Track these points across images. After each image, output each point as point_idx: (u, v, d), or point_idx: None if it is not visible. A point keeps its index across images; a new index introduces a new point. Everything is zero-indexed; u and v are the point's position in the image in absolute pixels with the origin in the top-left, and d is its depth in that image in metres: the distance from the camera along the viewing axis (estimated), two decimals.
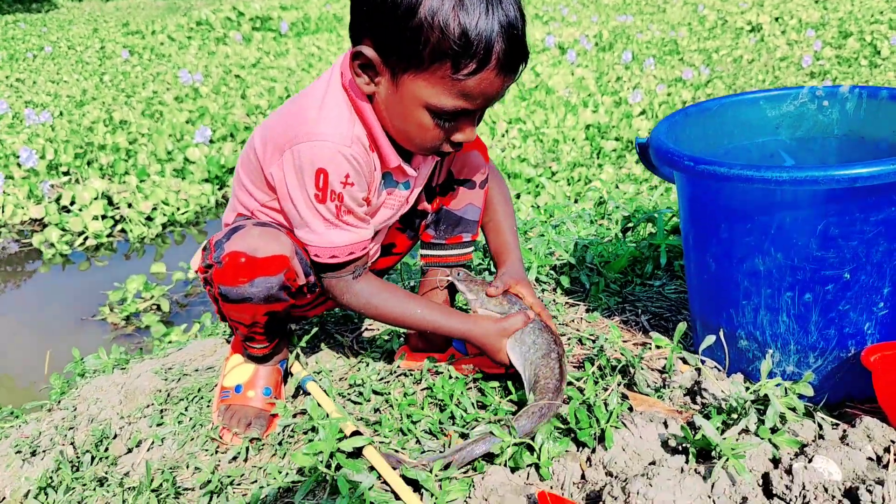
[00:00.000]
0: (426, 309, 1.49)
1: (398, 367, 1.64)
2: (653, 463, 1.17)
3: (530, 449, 1.27)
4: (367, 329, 1.93)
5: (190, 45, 11.29)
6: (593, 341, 1.65)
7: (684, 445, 1.18)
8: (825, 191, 1.14)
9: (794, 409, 1.27)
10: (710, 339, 1.34)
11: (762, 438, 1.17)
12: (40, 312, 3.83)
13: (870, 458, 1.14)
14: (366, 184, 1.38)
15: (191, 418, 1.54)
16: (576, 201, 4.19)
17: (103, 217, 4.84)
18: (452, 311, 1.52)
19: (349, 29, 1.28)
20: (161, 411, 1.60)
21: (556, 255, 2.10)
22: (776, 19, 10.72)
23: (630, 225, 2.05)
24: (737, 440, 1.18)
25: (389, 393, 1.54)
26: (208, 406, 1.59)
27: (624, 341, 1.65)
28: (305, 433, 1.45)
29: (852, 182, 1.07)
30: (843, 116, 1.49)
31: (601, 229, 2.25)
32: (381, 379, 1.61)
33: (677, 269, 1.97)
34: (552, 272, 2.03)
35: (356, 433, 1.33)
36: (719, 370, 1.42)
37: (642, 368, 1.45)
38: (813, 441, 1.19)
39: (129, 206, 4.98)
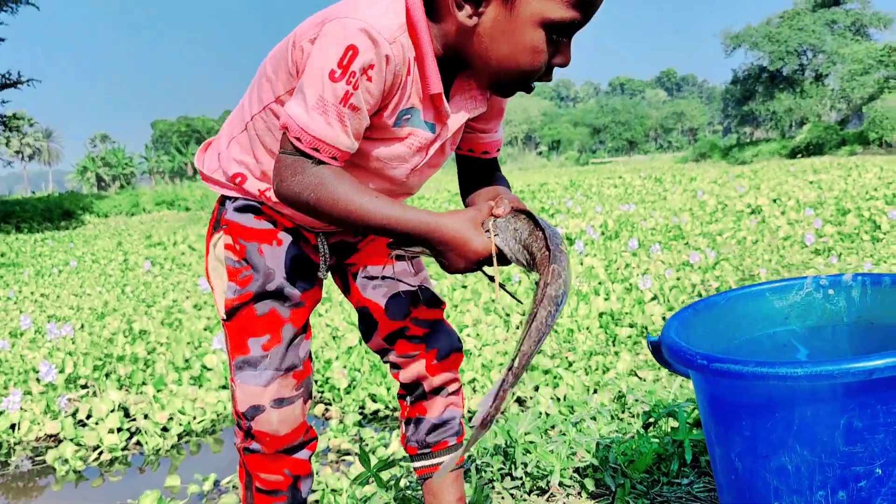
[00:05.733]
0: (384, 201, 1.31)
1: None
2: None
3: None
4: None
5: None
6: None
7: None
8: (843, 384, 1.13)
9: None
10: None
11: None
12: None
13: None
14: (380, 93, 1.29)
15: None
16: (594, 391, 4.13)
17: (119, 430, 4.80)
18: (412, 207, 1.34)
19: None
20: None
21: (578, 456, 2.05)
22: (774, 201, 11.09)
23: (651, 420, 2.02)
24: None
25: None
26: None
27: None
28: None
29: (869, 375, 1.07)
30: (849, 304, 1.51)
31: (622, 424, 2.20)
32: None
33: (704, 464, 1.91)
34: (575, 475, 1.97)
35: None
36: None
37: None
38: None
39: (146, 416, 4.95)
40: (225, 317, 1.59)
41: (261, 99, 1.46)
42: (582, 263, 8.07)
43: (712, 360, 1.19)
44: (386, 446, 3.58)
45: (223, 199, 1.59)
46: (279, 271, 1.55)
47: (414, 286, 1.68)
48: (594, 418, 2.26)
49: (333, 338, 5.56)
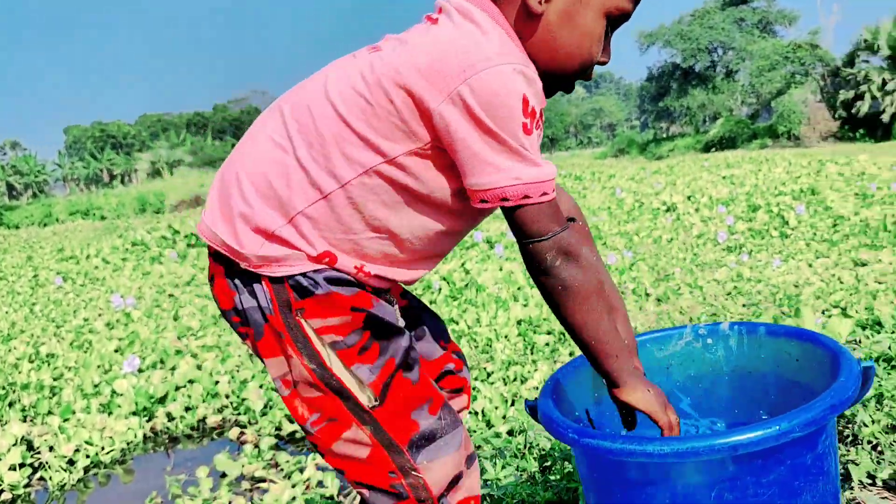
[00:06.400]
0: (610, 320, 1.29)
1: None
2: None
3: None
4: None
5: (125, 266, 11.32)
6: None
7: None
8: (711, 460, 1.13)
9: None
10: None
11: None
12: None
13: None
14: None
15: None
16: (512, 403, 4.14)
17: (21, 465, 4.60)
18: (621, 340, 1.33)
19: None
20: None
21: None
22: (689, 198, 11.36)
23: (548, 464, 2.01)
24: None
25: None
26: None
27: None
28: None
29: (734, 451, 1.07)
30: (728, 353, 1.53)
31: (522, 462, 2.19)
32: None
33: None
34: None
35: None
36: None
37: None
38: None
39: (51, 449, 4.75)
40: (376, 402, 1.31)
41: (358, 161, 1.24)
42: (501, 269, 8.11)
43: (582, 434, 1.18)
44: (301, 471, 3.52)
45: (275, 278, 1.29)
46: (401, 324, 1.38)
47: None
48: (494, 459, 2.23)
49: (250, 356, 5.44)
